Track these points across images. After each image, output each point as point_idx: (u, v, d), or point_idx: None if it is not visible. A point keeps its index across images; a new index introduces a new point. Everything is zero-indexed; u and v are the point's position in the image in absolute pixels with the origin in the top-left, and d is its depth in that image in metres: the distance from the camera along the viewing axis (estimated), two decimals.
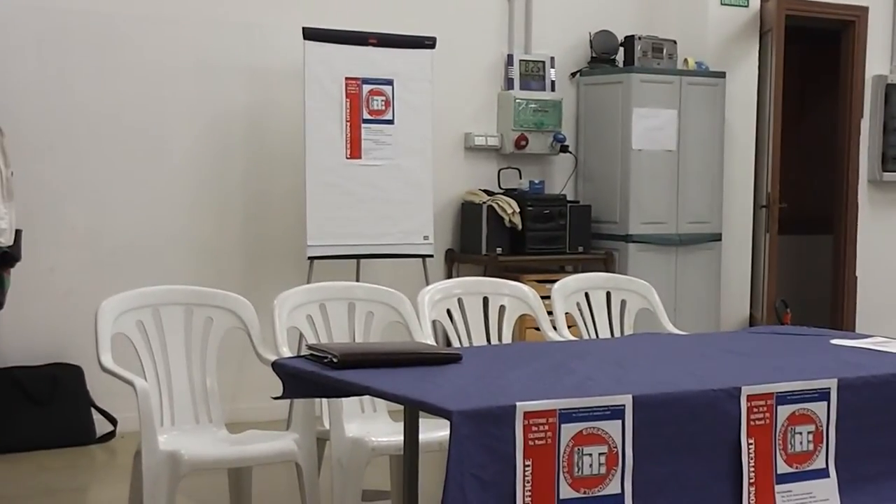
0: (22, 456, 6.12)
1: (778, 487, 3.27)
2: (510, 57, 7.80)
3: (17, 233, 5.98)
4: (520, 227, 7.40)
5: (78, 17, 6.55)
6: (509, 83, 7.79)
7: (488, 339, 4.90)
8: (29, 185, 6.26)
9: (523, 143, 7.73)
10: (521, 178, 7.82)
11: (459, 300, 4.91)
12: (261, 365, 4.20)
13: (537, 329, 5.01)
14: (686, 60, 8.05)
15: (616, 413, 3.00)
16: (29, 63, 6.44)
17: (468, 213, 7.58)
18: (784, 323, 8.17)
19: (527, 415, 2.88)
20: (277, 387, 3.61)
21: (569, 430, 2.93)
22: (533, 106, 7.76)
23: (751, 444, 3.22)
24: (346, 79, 6.70)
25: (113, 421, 6.50)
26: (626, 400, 3.02)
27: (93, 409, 6.48)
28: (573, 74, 8.07)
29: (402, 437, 3.51)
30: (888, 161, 9.29)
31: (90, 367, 6.30)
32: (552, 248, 7.52)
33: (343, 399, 4.28)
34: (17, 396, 6.29)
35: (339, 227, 6.69)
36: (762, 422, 3.24)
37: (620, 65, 7.98)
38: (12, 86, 6.26)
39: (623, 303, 5.27)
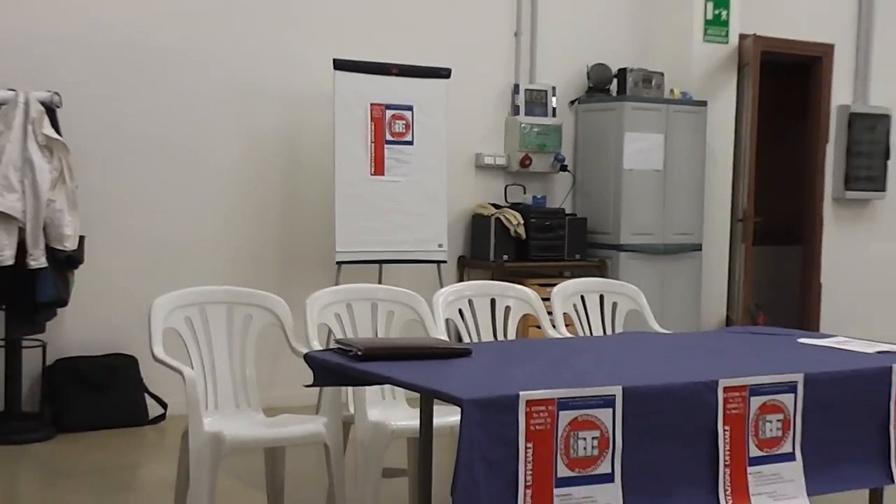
0: (82, 436, 6.14)
1: (750, 469, 3.26)
2: (516, 86, 7.82)
3: (81, 239, 6.02)
4: (524, 236, 7.42)
5: (134, 48, 6.59)
6: (515, 109, 7.80)
7: (495, 336, 4.90)
8: (90, 197, 6.28)
9: (527, 162, 7.75)
10: (525, 193, 7.84)
11: (470, 301, 4.91)
12: (294, 357, 4.20)
13: (538, 327, 5.00)
14: (672, 90, 8.06)
15: (608, 402, 2.99)
16: (91, 89, 6.46)
17: (478, 224, 7.59)
18: (757, 324, 8.16)
19: (529, 403, 2.88)
20: (309, 376, 3.61)
21: (566, 417, 2.92)
22: (536, 130, 7.77)
23: (726, 430, 3.22)
24: (371, 104, 6.71)
25: (163, 405, 6.52)
26: (617, 391, 3.01)
27: (146, 395, 6.50)
28: (572, 102, 8.08)
29: (418, 422, 3.50)
30: (850, 181, 9.30)
31: (144, 358, 6.33)
32: (552, 255, 7.53)
33: (366, 388, 4.28)
34: (79, 383, 6.31)
35: (364, 236, 6.70)
36: (737, 411, 3.24)
37: (614, 94, 8.00)
38: (76, 109, 6.27)
39: (614, 305, 5.27)
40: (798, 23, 8.97)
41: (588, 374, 3.28)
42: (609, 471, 3.00)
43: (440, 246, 6.96)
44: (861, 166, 9.32)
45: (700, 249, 8.08)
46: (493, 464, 2.84)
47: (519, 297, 5.01)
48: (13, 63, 6.20)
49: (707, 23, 8.21)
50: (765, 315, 8.58)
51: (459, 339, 4.80)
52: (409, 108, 6.83)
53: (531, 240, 7.44)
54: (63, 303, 6.04)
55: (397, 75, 6.80)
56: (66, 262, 5.95)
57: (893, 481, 3.56)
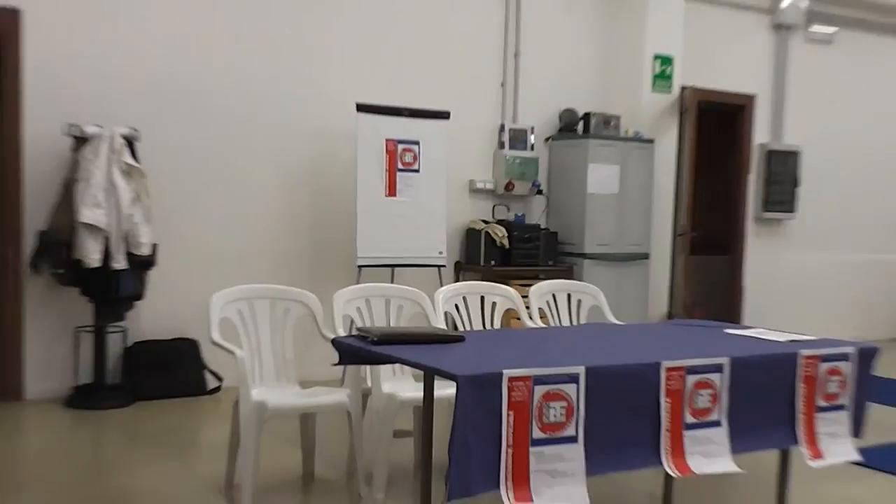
0: (154, 403, 6.16)
1: (686, 433, 3.27)
2: (502, 126, 7.83)
3: (154, 246, 6.04)
4: (507, 246, 7.42)
5: (199, 94, 6.61)
6: (502, 144, 7.81)
7: (484, 326, 4.91)
8: (162, 213, 6.32)
9: (511, 187, 7.76)
10: (508, 211, 7.86)
11: (464, 298, 4.93)
12: (323, 341, 4.23)
13: (519, 319, 5.03)
14: (627, 130, 8.08)
15: (573, 378, 2.99)
16: (164, 127, 6.48)
17: (471, 236, 7.60)
18: (693, 317, 8.19)
19: (510, 379, 2.88)
20: (335, 357, 3.61)
21: (540, 390, 2.93)
22: (518, 161, 7.79)
23: (667, 402, 3.23)
24: (386, 140, 6.73)
25: (219, 379, 6.53)
26: (580, 370, 3.01)
27: (205, 371, 6.51)
28: (547, 139, 8.10)
29: (422, 394, 3.52)
30: (768, 204, 9.34)
31: (204, 341, 6.38)
32: (530, 261, 7.54)
33: (380, 366, 4.30)
34: (152, 361, 6.33)
35: (379, 245, 6.70)
36: (676, 386, 3.24)
37: (580, 133, 8.01)
38: (152, 142, 6.32)
39: (579, 301, 5.28)
40: (727, 77, 9.01)
41: (558, 356, 3.28)
42: (574, 434, 3.00)
43: (440, 253, 6.97)
44: (776, 192, 9.35)
45: (648, 258, 8.10)
46: (482, 428, 2.84)
47: (503, 295, 5.02)
48: (103, 105, 6.24)
49: (655, 77, 8.23)
50: (699, 310, 8.61)
51: (455, 328, 4.81)
52: (417, 143, 6.85)
53: (513, 249, 7.45)
54: (139, 297, 6.07)
55: (407, 116, 6.82)
56: (142, 264, 5.98)
57: (797, 443, 3.58)
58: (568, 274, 7.57)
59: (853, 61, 9.90)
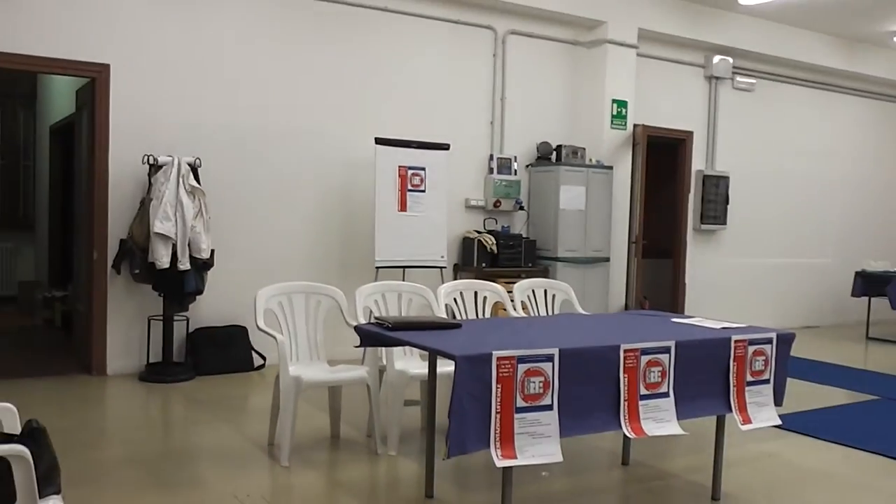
0: (212, 377, 6.13)
1: (641, 402, 3.26)
2: (491, 155, 7.81)
3: (212, 251, 6.03)
4: (495, 251, 7.40)
5: (250, 131, 6.59)
6: (491, 170, 7.80)
7: (477, 316, 4.90)
8: (219, 225, 6.30)
9: (498, 204, 7.75)
10: (496, 223, 7.83)
11: (461, 293, 4.91)
12: (348, 328, 4.20)
13: (505, 310, 5.01)
14: (591, 159, 8.07)
15: (549, 358, 2.99)
16: (222, 156, 6.46)
17: (466, 243, 7.57)
18: (644, 308, 8.17)
19: (498, 359, 2.88)
20: (356, 340, 3.61)
21: (522, 367, 2.92)
22: (504, 183, 7.77)
23: (625, 377, 3.22)
24: (399, 166, 6.72)
25: (264, 358, 6.49)
26: (555, 351, 3.01)
27: (252, 351, 6.47)
28: (527, 166, 8.08)
29: (427, 370, 3.51)
30: (704, 218, 9.32)
31: (251, 327, 6.35)
32: (514, 264, 7.51)
33: (394, 348, 4.29)
34: (210, 343, 6.30)
35: (393, 250, 6.68)
36: (632, 364, 3.24)
37: (554, 161, 8.00)
38: (212, 168, 6.30)
39: (553, 296, 5.27)
40: (670, 117, 9.00)
41: (537, 339, 3.28)
42: (550, 402, 2.99)
43: (442, 257, 6.95)
44: (710, 209, 9.34)
45: (608, 261, 8.08)
46: (475, 398, 2.84)
47: (492, 291, 5.01)
48: (172, 138, 6.22)
49: (613, 116, 8.23)
50: (649, 303, 8.59)
51: (454, 318, 4.81)
52: (423, 169, 6.83)
53: (500, 254, 7.42)
54: (200, 292, 6.03)
55: (416, 148, 6.81)
56: (202, 266, 5.96)
57: (731, 410, 3.56)
58: (544, 274, 7.55)
59: (769, 105, 9.92)
